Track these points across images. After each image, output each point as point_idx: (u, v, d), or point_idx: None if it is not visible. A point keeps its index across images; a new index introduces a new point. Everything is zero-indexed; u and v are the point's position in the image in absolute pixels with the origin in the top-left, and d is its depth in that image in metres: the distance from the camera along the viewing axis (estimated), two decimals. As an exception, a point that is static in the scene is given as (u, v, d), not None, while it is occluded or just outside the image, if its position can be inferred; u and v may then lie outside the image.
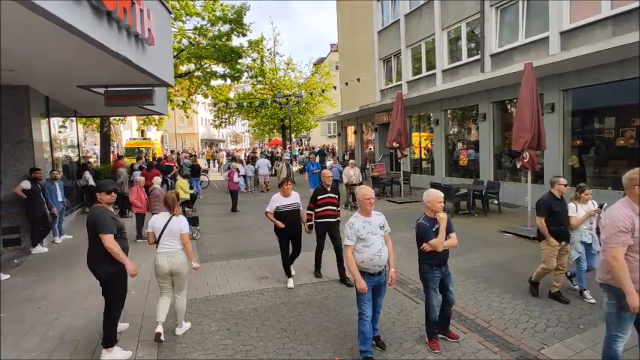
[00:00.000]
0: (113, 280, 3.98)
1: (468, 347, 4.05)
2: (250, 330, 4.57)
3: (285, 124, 27.50)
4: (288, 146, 25.95)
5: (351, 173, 11.97)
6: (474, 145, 13.46)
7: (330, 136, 43.28)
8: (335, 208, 5.97)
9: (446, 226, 3.94)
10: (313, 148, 31.91)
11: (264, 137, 46.79)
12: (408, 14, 16.64)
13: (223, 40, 18.86)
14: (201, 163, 22.59)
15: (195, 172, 15.43)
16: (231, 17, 18.58)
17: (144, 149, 25.47)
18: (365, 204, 3.83)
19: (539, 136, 7.82)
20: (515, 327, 4.46)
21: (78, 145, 13.69)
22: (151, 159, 20.03)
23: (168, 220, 4.39)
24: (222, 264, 7.10)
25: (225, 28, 18.89)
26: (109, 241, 3.85)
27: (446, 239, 3.94)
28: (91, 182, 11.99)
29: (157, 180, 9.17)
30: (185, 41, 19.13)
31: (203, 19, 18.60)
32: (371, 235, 3.75)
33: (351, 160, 12.11)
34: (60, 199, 8.84)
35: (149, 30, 6.03)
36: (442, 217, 3.94)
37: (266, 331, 4.52)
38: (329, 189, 6.00)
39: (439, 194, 4.00)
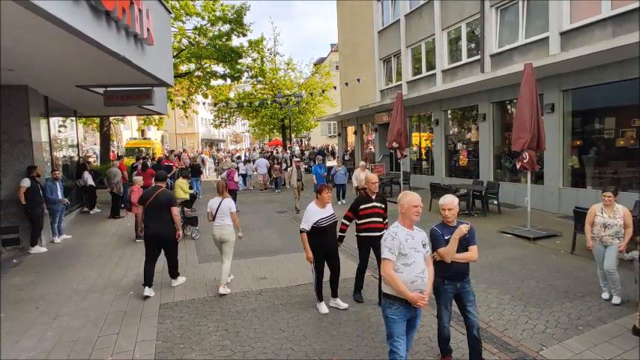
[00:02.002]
0: (174, 239, 5.85)
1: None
2: (248, 330, 4.56)
3: (285, 124, 27.49)
4: (288, 146, 25.93)
5: (362, 177, 10.67)
6: (474, 145, 13.45)
7: (330, 136, 43.24)
8: (381, 220, 5.04)
9: (464, 237, 3.50)
10: (314, 148, 31.87)
11: (265, 137, 46.77)
12: (408, 14, 16.63)
13: (223, 40, 18.88)
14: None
15: (195, 172, 15.42)
16: (231, 17, 18.59)
17: (144, 149, 25.50)
18: (411, 213, 3.16)
19: (538, 137, 7.80)
20: (514, 328, 4.45)
21: (78, 145, 13.70)
22: (150, 158, 20.00)
23: (220, 202, 5.75)
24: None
25: (225, 28, 18.91)
26: (177, 211, 5.88)
27: (464, 251, 3.54)
28: (90, 182, 11.99)
29: (156, 180, 9.15)
30: (185, 41, 19.14)
31: (203, 18, 18.62)
32: (414, 251, 3.10)
33: (362, 162, 11.39)
34: (60, 198, 8.84)
35: (148, 30, 6.03)
36: (462, 227, 3.49)
37: (264, 332, 4.52)
38: (374, 197, 5.05)
39: (448, 200, 3.60)
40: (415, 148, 17.37)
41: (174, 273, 6.04)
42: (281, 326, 4.65)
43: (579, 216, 6.97)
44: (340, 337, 4.35)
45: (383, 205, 5.08)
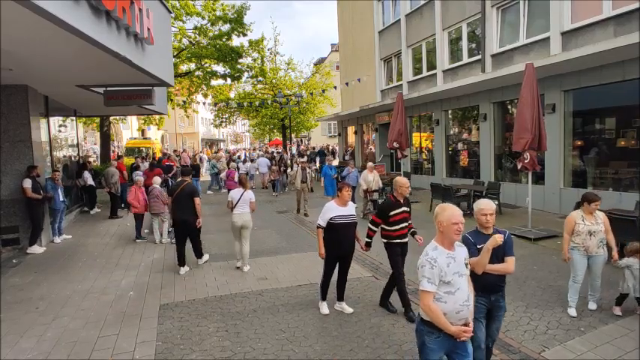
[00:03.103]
0: (195, 224, 6.69)
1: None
2: (249, 331, 4.55)
3: (286, 124, 27.47)
4: (288, 146, 25.90)
5: (370, 178, 10.45)
6: (475, 145, 13.43)
7: (330, 136, 43.24)
8: (407, 224, 4.90)
9: (499, 247, 3.20)
10: (314, 148, 31.83)
11: (265, 137, 46.74)
12: (408, 14, 16.60)
13: (224, 39, 18.84)
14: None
15: (195, 171, 15.39)
16: (232, 17, 18.56)
17: (144, 149, 25.50)
18: (451, 231, 2.72)
19: (539, 137, 7.78)
20: (515, 329, 4.44)
21: (78, 145, 13.68)
22: (150, 157, 19.98)
23: (242, 193, 6.65)
24: (221, 264, 7.07)
25: (226, 27, 18.86)
26: (199, 202, 6.75)
27: (499, 262, 3.23)
28: (90, 182, 11.97)
29: (157, 180, 9.13)
30: (185, 41, 19.10)
31: (203, 18, 18.58)
32: (457, 276, 2.70)
33: (370, 163, 10.81)
34: (61, 198, 8.83)
35: (148, 29, 6.00)
36: (497, 238, 3.16)
37: (265, 333, 4.50)
38: (402, 200, 4.85)
39: (487, 204, 3.28)
40: (416, 149, 17.35)
41: (198, 253, 7.04)
42: (282, 327, 4.63)
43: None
44: (341, 338, 4.33)
45: (408, 209, 4.91)
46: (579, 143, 10.00)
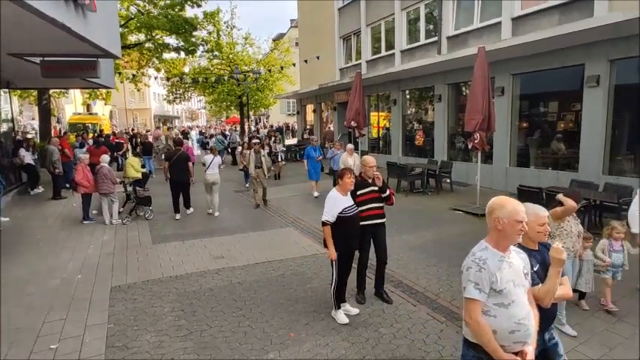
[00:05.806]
0: (188, 183, 8.88)
1: (417, 319, 4.26)
2: (205, 310, 4.53)
3: (243, 102, 26.77)
4: (247, 126, 25.32)
5: (351, 162, 9.41)
6: (430, 125, 13.85)
7: (289, 114, 42.73)
8: (381, 205, 4.59)
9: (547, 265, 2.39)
10: (272, 127, 31.34)
11: (222, 114, 45.38)
12: (368, -8, 16.49)
13: (176, 9, 17.80)
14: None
15: (146, 150, 14.72)
16: (185, -15, 17.53)
17: (90, 125, 23.91)
18: (513, 231, 2.12)
19: (489, 119, 8.15)
20: (461, 298, 4.71)
21: (13, 120, 12.57)
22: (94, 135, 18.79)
23: (213, 159, 9.02)
24: (176, 244, 6.91)
25: (179, -4, 17.80)
26: (191, 165, 8.92)
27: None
28: (28, 160, 11.08)
29: (105, 158, 8.66)
30: (134, 9, 17.87)
31: (153, -15, 17.42)
32: (512, 285, 2.11)
33: (350, 146, 9.85)
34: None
35: (90, -6, 5.53)
36: (559, 252, 2.25)
37: (221, 311, 4.50)
38: (370, 181, 4.53)
39: (540, 212, 2.43)
40: (374, 128, 17.61)
41: (187, 204, 9.10)
42: (238, 304, 4.65)
43: (523, 193, 7.47)
44: (297, 313, 4.43)
45: (377, 188, 4.59)
46: (524, 125, 10.60)
